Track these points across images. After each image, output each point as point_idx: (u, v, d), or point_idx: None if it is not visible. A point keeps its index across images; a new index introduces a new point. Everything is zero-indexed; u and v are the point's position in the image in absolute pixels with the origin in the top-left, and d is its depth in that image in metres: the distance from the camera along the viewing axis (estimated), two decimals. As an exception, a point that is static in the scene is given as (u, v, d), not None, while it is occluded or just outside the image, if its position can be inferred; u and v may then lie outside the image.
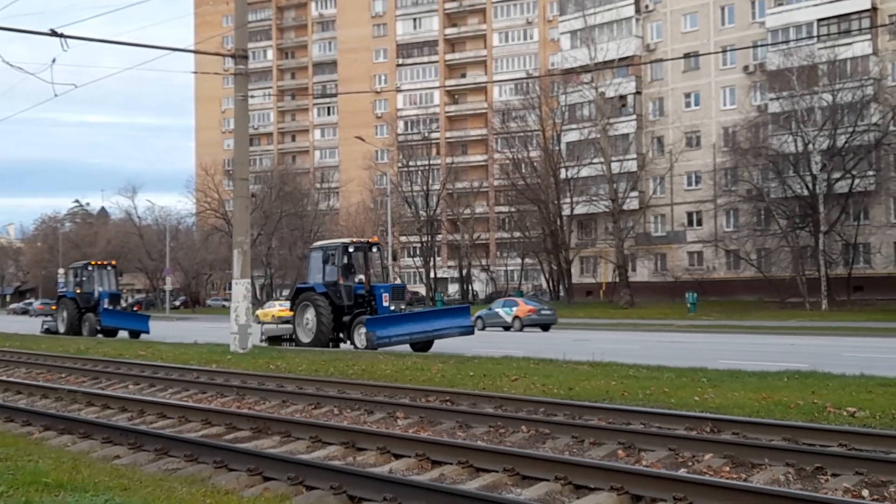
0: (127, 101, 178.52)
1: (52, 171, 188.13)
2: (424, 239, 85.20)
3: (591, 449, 9.15)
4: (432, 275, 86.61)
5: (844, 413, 10.68)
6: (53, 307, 41.94)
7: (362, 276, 26.61)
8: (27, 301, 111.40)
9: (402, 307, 26.09)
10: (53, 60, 21.25)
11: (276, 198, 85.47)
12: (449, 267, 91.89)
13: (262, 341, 27.33)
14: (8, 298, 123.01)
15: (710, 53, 61.15)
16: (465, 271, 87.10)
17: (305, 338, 25.97)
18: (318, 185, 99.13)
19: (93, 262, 40.09)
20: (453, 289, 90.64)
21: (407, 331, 24.48)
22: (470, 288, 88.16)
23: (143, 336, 36.48)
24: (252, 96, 41.77)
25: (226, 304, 76.20)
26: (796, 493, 6.78)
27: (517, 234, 78.81)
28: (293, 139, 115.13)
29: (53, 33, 20.84)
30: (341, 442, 9.28)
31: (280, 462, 7.98)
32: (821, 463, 7.86)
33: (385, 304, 25.25)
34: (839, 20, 57.33)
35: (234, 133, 26.05)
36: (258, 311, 70.86)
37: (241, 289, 23.19)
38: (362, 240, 27.79)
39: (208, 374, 17.23)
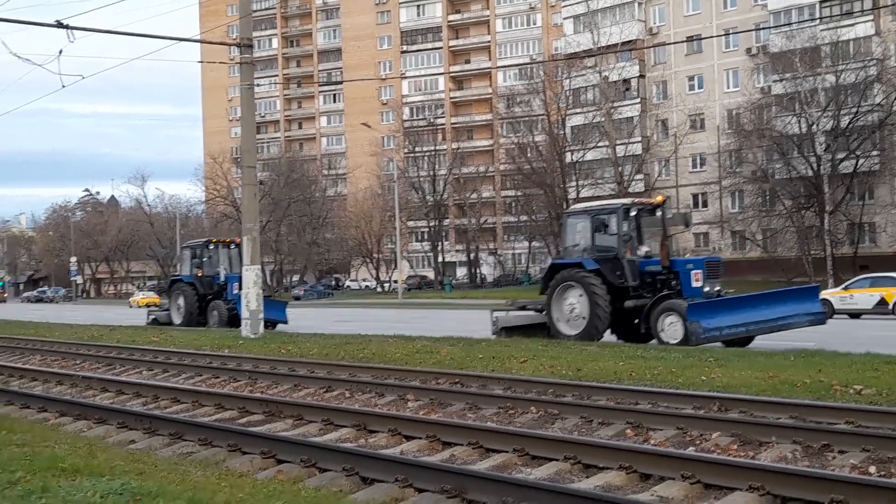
0: (136, 92, 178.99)
1: (63, 162, 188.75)
2: (432, 223, 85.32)
3: (599, 429, 9.23)
4: (440, 259, 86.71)
5: (851, 391, 10.73)
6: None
7: (647, 248, 20.43)
8: (41, 289, 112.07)
9: (717, 289, 19.30)
10: (60, 52, 21.16)
11: (284, 185, 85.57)
12: (457, 251, 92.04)
13: (495, 334, 21.33)
14: (21, 287, 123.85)
15: (712, 37, 61.04)
16: (472, 255, 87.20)
17: (570, 329, 20.06)
18: (325, 172, 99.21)
19: (214, 240, 34.14)
20: (461, 272, 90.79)
21: (742, 320, 18.21)
22: (478, 272, 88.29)
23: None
24: (258, 85, 41.82)
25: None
26: (803, 470, 6.86)
27: (524, 217, 78.78)
28: (300, 126, 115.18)
29: (60, 25, 20.89)
30: (353, 424, 9.37)
31: (293, 445, 8.09)
32: (828, 440, 7.91)
33: (696, 284, 18.88)
34: (841, 1, 57.15)
35: (240, 121, 26.18)
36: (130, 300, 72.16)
37: (251, 275, 23.30)
38: (646, 200, 21.72)
39: (221, 359, 17.34)
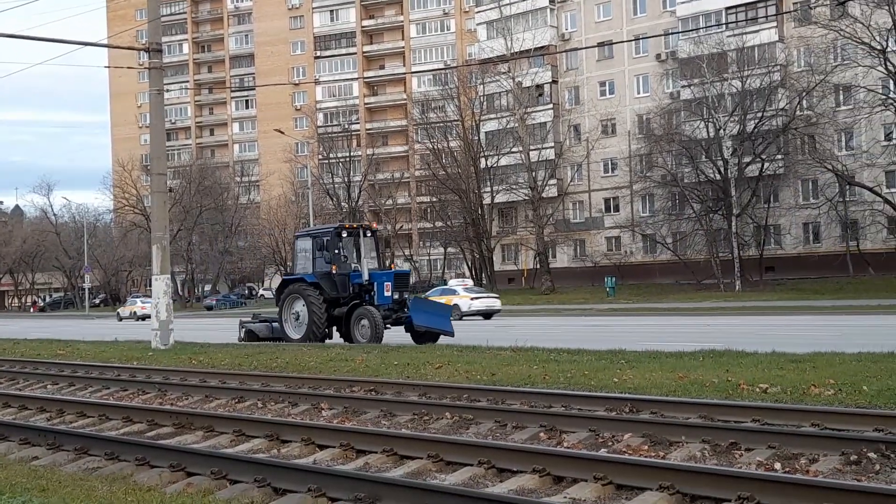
0: (45, 98, 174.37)
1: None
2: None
3: (513, 433, 9.26)
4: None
5: (757, 389, 10.96)
6: None
7: None
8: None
9: None
10: (-42, 56, 20.63)
11: (196, 192, 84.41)
12: (372, 258, 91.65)
13: None
14: None
15: (623, 42, 62.03)
16: (388, 261, 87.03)
17: None
18: (237, 179, 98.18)
19: (347, 225, 25.65)
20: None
21: None
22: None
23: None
24: (168, 90, 41.07)
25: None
26: (711, 468, 6.98)
27: (439, 223, 79.03)
28: (211, 133, 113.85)
29: (-43, 28, 20.29)
30: (265, 435, 9.26)
31: (203, 457, 7.95)
32: (735, 438, 8.06)
33: None
34: (746, 8, 58.72)
35: (150, 128, 25.76)
36: None
37: (161, 285, 22.95)
38: None
39: (129, 371, 16.99)
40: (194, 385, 14.08)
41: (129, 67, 41.64)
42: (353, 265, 24.20)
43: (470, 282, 50.65)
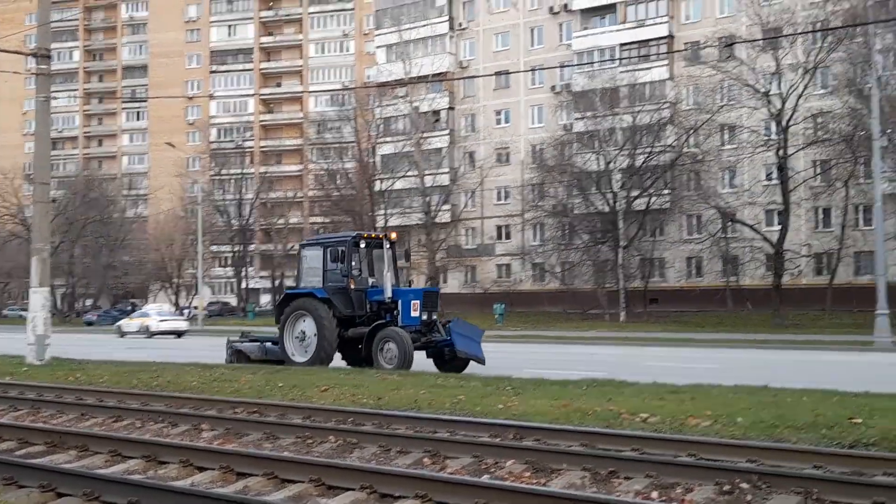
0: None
1: None
2: (236, 248, 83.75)
3: (397, 458, 9.23)
4: (244, 285, 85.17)
5: (638, 419, 11.16)
6: None
7: None
8: None
9: None
10: None
11: (81, 204, 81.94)
12: (262, 277, 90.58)
13: None
14: None
15: (519, 72, 62.99)
16: (277, 282, 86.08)
17: None
18: (125, 192, 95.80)
19: (365, 235, 22.28)
20: (265, 299, 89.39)
21: None
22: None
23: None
24: (56, 98, 39.90)
25: (23, 314, 72.38)
26: (591, 495, 7.08)
27: (331, 244, 78.37)
28: (100, 144, 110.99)
29: None
30: (142, 455, 9.01)
31: (75, 477, 7.69)
32: (615, 467, 8.18)
33: None
34: (639, 46, 60.34)
35: (34, 136, 25.02)
36: None
37: (39, 298, 22.25)
38: None
39: (1, 387, 16.34)
40: (70, 403, 13.63)
41: (14, 73, 40.27)
42: (369, 280, 21.60)
43: (166, 307, 63.09)
